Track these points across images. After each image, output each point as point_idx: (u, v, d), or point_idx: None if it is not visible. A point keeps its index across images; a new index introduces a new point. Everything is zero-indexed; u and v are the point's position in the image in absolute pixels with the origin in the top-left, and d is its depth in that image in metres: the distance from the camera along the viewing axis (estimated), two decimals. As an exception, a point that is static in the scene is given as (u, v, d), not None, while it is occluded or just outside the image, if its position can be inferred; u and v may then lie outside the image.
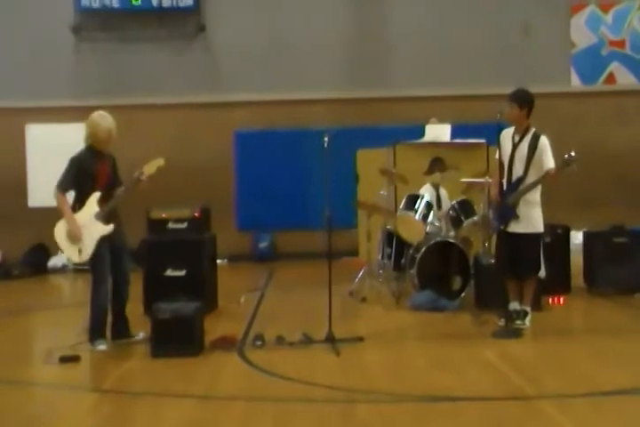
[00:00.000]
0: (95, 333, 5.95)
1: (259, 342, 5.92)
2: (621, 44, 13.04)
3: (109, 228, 5.89)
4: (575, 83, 13.01)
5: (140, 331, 6.14)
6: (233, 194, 12.47)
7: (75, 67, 12.64)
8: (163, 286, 7.08)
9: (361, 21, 12.91)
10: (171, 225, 7.50)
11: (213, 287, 7.70)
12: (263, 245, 12.26)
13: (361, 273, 8.24)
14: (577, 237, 8.74)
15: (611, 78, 13.03)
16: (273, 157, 12.31)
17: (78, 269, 11.68)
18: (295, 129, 12.18)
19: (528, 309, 6.43)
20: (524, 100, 6.28)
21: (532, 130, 6.32)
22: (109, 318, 6.11)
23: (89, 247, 5.83)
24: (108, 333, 6.09)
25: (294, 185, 12.15)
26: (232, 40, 12.64)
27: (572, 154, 6.05)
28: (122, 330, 6.13)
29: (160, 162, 6.08)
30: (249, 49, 12.55)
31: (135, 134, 12.57)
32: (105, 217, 5.90)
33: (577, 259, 8.13)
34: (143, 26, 12.51)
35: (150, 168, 6.02)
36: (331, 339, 5.80)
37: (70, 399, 4.84)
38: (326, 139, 6.10)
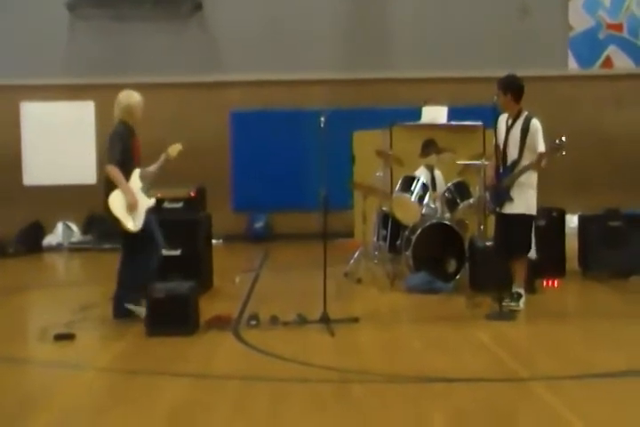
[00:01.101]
0: (136, 295, 6.02)
1: (253, 322, 5.94)
2: (619, 27, 12.99)
3: (152, 201, 6.25)
4: (572, 66, 12.98)
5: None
6: (229, 174, 12.46)
7: (70, 45, 12.56)
8: (158, 265, 7.06)
9: (360, 2, 12.82)
10: (166, 205, 7.48)
11: (209, 267, 7.70)
12: (258, 225, 12.28)
13: (356, 254, 8.25)
14: (572, 221, 8.77)
15: (608, 62, 13.00)
16: (269, 137, 12.28)
17: (73, 248, 11.73)
18: (292, 109, 12.14)
19: (521, 291, 6.47)
20: (507, 87, 6.39)
21: (525, 113, 6.40)
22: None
23: (141, 217, 6.08)
24: None
25: (290, 166, 12.14)
26: (229, 19, 12.54)
27: (563, 139, 6.09)
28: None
29: (179, 146, 6.38)
30: (246, 28, 12.47)
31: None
32: (147, 191, 6.21)
33: (572, 242, 8.15)
34: (139, 4, 12.40)
35: (173, 151, 6.35)
36: (325, 319, 5.82)
37: (65, 377, 4.85)
38: (322, 119, 6.08)
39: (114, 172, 6.01)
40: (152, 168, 6.30)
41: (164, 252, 7.20)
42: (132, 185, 6.08)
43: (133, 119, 6.21)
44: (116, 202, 6.01)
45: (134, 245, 6.19)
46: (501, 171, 6.41)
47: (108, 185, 6.10)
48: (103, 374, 4.94)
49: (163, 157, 6.32)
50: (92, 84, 12.30)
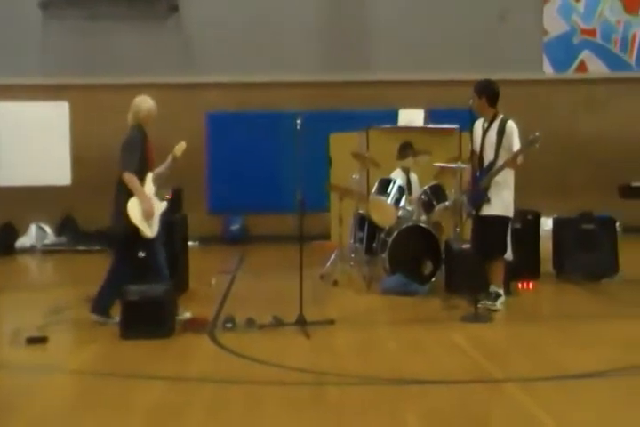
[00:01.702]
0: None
1: (229, 325, 5.92)
2: (592, 32, 13.14)
3: (165, 204, 6.23)
4: (547, 70, 13.11)
5: (187, 312, 6.13)
6: (205, 176, 12.41)
7: (43, 44, 12.43)
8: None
9: (338, 5, 12.84)
10: (142, 206, 7.42)
11: (184, 269, 7.66)
12: (235, 227, 12.23)
13: (332, 257, 8.25)
14: (547, 224, 8.84)
15: (582, 66, 13.15)
16: (245, 139, 12.25)
17: (47, 250, 11.61)
18: (268, 111, 12.12)
19: (500, 291, 6.54)
20: (481, 91, 6.47)
21: (500, 116, 6.49)
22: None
23: (156, 223, 6.09)
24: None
25: (267, 168, 12.12)
26: (206, 20, 12.50)
27: (537, 134, 6.19)
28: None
29: (183, 145, 6.32)
30: (223, 30, 12.43)
31: (106, 114, 12.42)
32: (160, 194, 6.24)
33: (547, 245, 8.22)
34: (114, 4, 12.31)
35: (179, 151, 6.27)
36: (301, 322, 5.81)
37: (37, 381, 4.79)
38: (299, 122, 6.07)
39: (132, 180, 5.94)
40: (161, 169, 6.23)
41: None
42: (147, 190, 6.04)
43: (150, 122, 6.18)
44: (134, 210, 5.95)
45: (149, 248, 6.11)
46: (478, 174, 6.47)
47: (120, 192, 6.05)
48: (76, 378, 4.89)
49: (170, 158, 6.23)
50: (66, 85, 12.19)
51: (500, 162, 6.38)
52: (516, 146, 6.35)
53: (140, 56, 12.35)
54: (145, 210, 5.94)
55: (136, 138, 6.08)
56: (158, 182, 6.18)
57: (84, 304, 6.72)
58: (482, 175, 6.45)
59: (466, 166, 6.88)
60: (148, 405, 4.19)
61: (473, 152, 6.56)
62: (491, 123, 6.46)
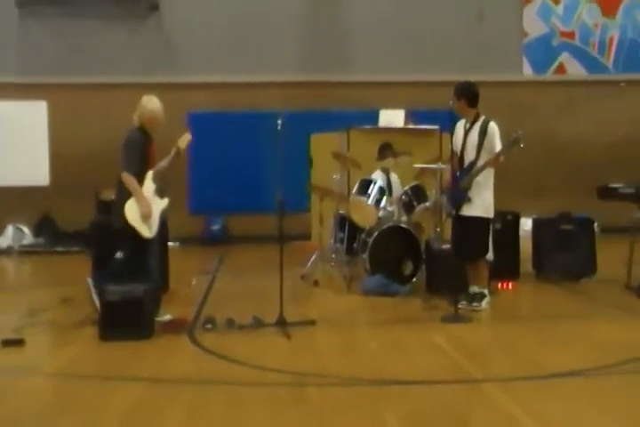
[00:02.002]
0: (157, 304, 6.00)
1: (209, 326, 5.89)
2: (571, 35, 13.26)
3: (166, 201, 6.16)
4: (527, 72, 13.19)
5: (167, 313, 6.10)
6: (185, 176, 12.34)
7: (21, 43, 12.31)
8: (113, 268, 6.95)
9: (319, 5, 12.84)
10: (121, 207, 7.36)
11: (164, 270, 7.60)
12: (215, 228, 12.19)
13: (313, 257, 8.24)
14: (526, 224, 8.89)
15: (561, 68, 13.26)
16: (226, 139, 12.21)
17: (24, 251, 11.49)
18: (249, 111, 12.09)
19: (485, 291, 6.57)
20: (460, 93, 6.51)
21: (482, 117, 6.53)
22: None
23: (156, 222, 6.05)
24: None
25: (247, 168, 12.09)
26: (186, 20, 12.45)
27: (520, 132, 6.23)
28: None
29: (188, 137, 6.23)
30: (203, 30, 12.38)
31: (85, 114, 12.35)
32: (160, 191, 6.12)
33: (526, 245, 8.27)
34: (93, 2, 12.22)
35: (182, 143, 6.18)
36: (282, 322, 5.80)
37: (12, 384, 4.73)
38: (280, 122, 6.06)
39: (130, 180, 5.92)
40: (162, 164, 6.12)
41: (119, 255, 7.13)
42: (146, 189, 6.00)
43: (153, 125, 6.09)
44: (132, 211, 5.94)
45: (143, 248, 6.06)
46: (458, 174, 6.50)
47: (120, 192, 6.02)
48: (53, 380, 4.83)
49: (173, 151, 6.12)
50: (44, 84, 12.08)
51: (480, 162, 6.41)
52: (498, 147, 6.40)
53: (120, 55, 12.26)
54: (142, 211, 5.91)
55: (135, 138, 6.04)
56: (159, 178, 6.09)
57: (61, 306, 6.68)
58: (462, 175, 6.48)
59: (446, 167, 6.91)
60: (127, 407, 4.16)
61: (453, 153, 6.59)
62: (472, 124, 6.51)
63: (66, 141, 12.21)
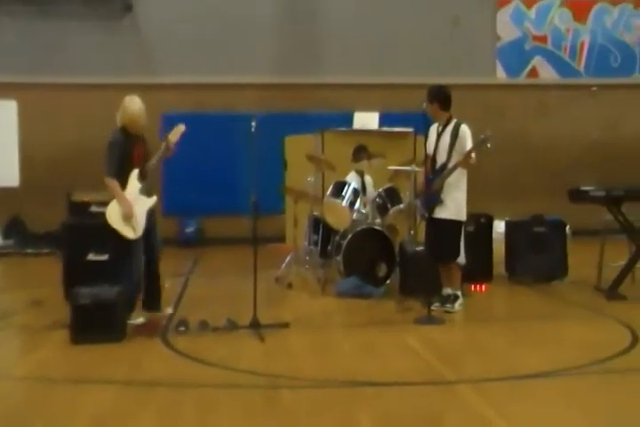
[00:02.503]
0: (132, 306, 6.00)
1: (182, 328, 5.85)
2: (544, 39, 13.41)
3: (153, 199, 6.10)
4: (500, 75, 13.31)
5: (168, 307, 6.21)
6: (159, 177, 12.25)
7: (-8, 41, 12.15)
8: (84, 270, 6.88)
9: (294, 7, 12.83)
10: (93, 208, 7.33)
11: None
12: (189, 229, 12.13)
13: (287, 259, 8.23)
14: (499, 227, 8.96)
15: (533, 72, 13.40)
16: (200, 140, 12.12)
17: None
18: (224, 113, 12.04)
19: (458, 293, 6.60)
20: (433, 96, 6.56)
21: (454, 120, 6.57)
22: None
23: (141, 222, 6.02)
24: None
25: (222, 169, 12.03)
26: (160, 21, 12.37)
27: (488, 133, 6.27)
28: (151, 304, 6.19)
29: (181, 128, 6.13)
30: (178, 31, 12.32)
31: (57, 114, 12.21)
32: (147, 190, 6.06)
33: (499, 247, 8.34)
34: (67, 2, 12.09)
35: (174, 136, 6.11)
36: (255, 325, 5.78)
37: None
38: (254, 123, 6.04)
39: (111, 183, 5.96)
40: (153, 160, 6.07)
41: (91, 257, 7.06)
42: (131, 188, 5.98)
43: (135, 126, 6.04)
44: (114, 213, 5.96)
45: (130, 249, 6.06)
46: (431, 176, 6.53)
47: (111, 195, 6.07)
48: (23, 384, 4.76)
49: (163, 146, 6.06)
50: (14, 83, 11.92)
51: (451, 164, 6.45)
52: (468, 148, 6.43)
53: (94, 56, 12.15)
54: (123, 212, 5.93)
55: (114, 140, 6.02)
56: (145, 176, 6.02)
57: (32, 308, 6.60)
58: (434, 178, 6.51)
59: (420, 170, 6.94)
60: (98, 410, 4.11)
61: (426, 156, 6.62)
62: (444, 127, 6.55)
63: (36, 142, 12.07)
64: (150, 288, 6.25)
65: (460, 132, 6.46)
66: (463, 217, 6.58)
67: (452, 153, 6.46)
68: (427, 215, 6.56)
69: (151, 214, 6.15)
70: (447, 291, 6.65)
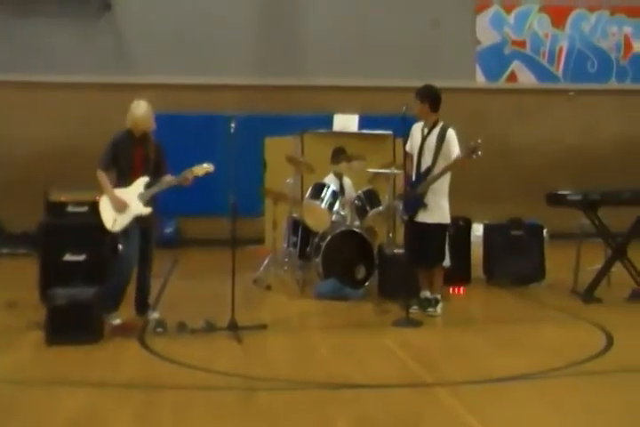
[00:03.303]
0: (111, 304, 6.04)
1: (160, 329, 5.82)
2: (522, 44, 13.52)
3: (147, 210, 6.14)
4: (480, 79, 13.40)
5: (155, 312, 6.26)
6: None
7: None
8: (61, 271, 6.81)
9: (275, 9, 12.83)
10: (70, 208, 7.24)
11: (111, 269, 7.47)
12: (168, 230, 12.05)
13: (266, 261, 8.22)
14: (478, 230, 9.00)
15: (512, 76, 13.50)
16: (179, 141, 12.05)
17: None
18: (203, 114, 12.00)
19: (439, 296, 6.61)
20: (425, 96, 6.52)
21: (441, 123, 6.53)
22: (133, 295, 6.30)
23: (124, 221, 6.07)
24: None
25: (201, 171, 11.95)
26: (139, 21, 12.31)
27: (479, 141, 6.27)
28: (138, 308, 6.29)
29: (210, 168, 6.29)
30: (158, 31, 12.27)
31: (34, 113, 12.10)
32: (147, 200, 6.14)
33: (477, 250, 8.38)
34: (45, 1, 11.99)
35: (199, 171, 6.26)
36: (233, 326, 5.76)
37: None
38: (233, 125, 6.03)
39: (99, 176, 6.13)
40: (169, 179, 6.24)
41: (68, 257, 7.00)
42: (132, 189, 6.11)
43: (138, 129, 6.18)
44: (104, 203, 6.14)
45: (122, 246, 6.26)
46: (414, 179, 6.51)
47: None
48: (-4, 385, 4.70)
49: (183, 174, 6.23)
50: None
51: (437, 169, 6.42)
52: (455, 153, 6.40)
53: (72, 55, 12.06)
54: (114, 206, 6.06)
55: (114, 137, 6.19)
56: (156, 190, 6.16)
57: (6, 310, 6.52)
58: (418, 181, 6.48)
59: (399, 172, 6.94)
60: (73, 412, 4.07)
61: (407, 154, 6.57)
62: (431, 129, 6.49)
63: (12, 140, 11.95)
64: (139, 294, 6.32)
65: (447, 137, 6.42)
66: (448, 220, 6.57)
67: (437, 157, 6.41)
68: (405, 218, 6.54)
69: (152, 225, 6.25)
70: (425, 294, 6.64)
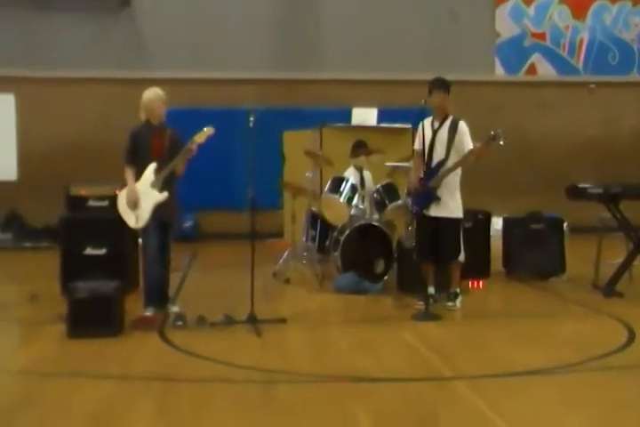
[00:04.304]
0: (145, 298, 6.10)
1: (180, 323, 5.86)
2: (542, 36, 13.41)
3: (163, 195, 6.05)
4: (499, 72, 13.30)
5: (176, 306, 6.22)
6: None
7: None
8: (82, 264, 6.90)
9: (292, 2, 12.81)
10: (91, 203, 7.31)
11: (135, 267, 7.53)
12: (187, 225, 12.10)
13: (285, 255, 8.23)
14: (497, 223, 8.96)
15: (532, 69, 13.40)
16: (207, 139, 12.11)
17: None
18: (222, 108, 12.02)
19: (458, 290, 6.57)
20: (446, 87, 6.45)
21: (451, 116, 6.46)
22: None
23: (145, 214, 6.04)
24: None
25: (220, 165, 12.01)
26: (158, 16, 12.36)
27: (499, 130, 6.19)
28: (160, 301, 6.22)
29: (210, 131, 6.12)
30: (176, 25, 12.31)
31: (54, 108, 12.19)
32: (160, 185, 6.05)
33: (497, 244, 8.34)
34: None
35: (200, 137, 6.08)
36: (252, 320, 5.78)
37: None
38: (252, 119, 6.04)
39: (126, 171, 6.15)
40: (175, 162, 6.05)
41: (89, 251, 7.06)
42: (143, 180, 6.07)
43: (152, 115, 6.16)
44: (122, 199, 6.15)
45: (142, 241, 6.25)
46: (425, 174, 6.43)
47: None
48: (18, 378, 4.76)
49: (187, 146, 6.02)
50: (12, 77, 11.90)
51: (450, 162, 6.38)
52: (469, 145, 6.36)
53: (91, 50, 12.13)
54: (127, 200, 6.05)
55: (132, 130, 6.20)
56: (165, 172, 6.00)
57: (28, 303, 6.59)
58: (431, 175, 6.42)
59: (409, 165, 6.88)
60: (93, 404, 4.11)
61: (417, 152, 6.50)
62: (442, 122, 6.46)
63: (34, 136, 12.05)
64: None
65: (459, 129, 6.38)
66: (461, 214, 6.54)
67: (450, 150, 6.36)
68: (415, 212, 6.45)
69: (167, 211, 6.09)
70: (431, 290, 6.50)
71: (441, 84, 6.44)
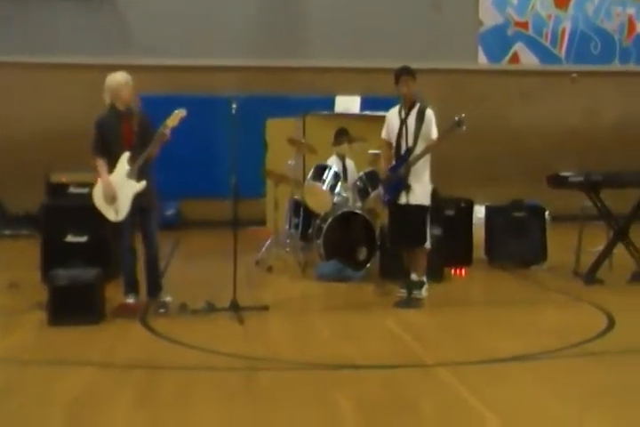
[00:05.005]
0: (125, 287, 5.98)
1: (162, 310, 5.84)
2: (525, 25, 13.43)
3: (142, 184, 5.85)
4: (482, 61, 13.31)
5: (168, 295, 6.06)
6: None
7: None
8: (63, 252, 6.83)
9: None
10: (72, 189, 7.26)
11: (116, 254, 7.48)
12: (169, 212, 12.06)
13: (267, 243, 8.22)
14: (480, 211, 8.99)
15: (515, 58, 13.42)
16: (181, 122, 12.02)
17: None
18: (204, 95, 11.94)
19: (424, 278, 6.52)
20: (414, 74, 6.40)
21: (418, 104, 6.38)
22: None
23: (125, 206, 5.84)
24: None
25: (202, 152, 11.96)
26: (142, 2, 12.23)
27: (462, 115, 6.14)
28: (152, 290, 6.06)
29: (182, 113, 5.95)
30: (159, 12, 12.19)
31: (37, 94, 12.06)
32: (136, 174, 5.84)
33: (479, 232, 8.38)
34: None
35: (173, 121, 5.91)
36: (235, 307, 5.77)
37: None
38: (234, 106, 5.99)
39: (95, 163, 5.88)
40: (149, 149, 5.82)
41: (69, 238, 7.00)
42: (118, 171, 5.84)
43: (120, 100, 5.88)
44: (98, 194, 5.92)
45: (116, 232, 6.06)
46: (395, 162, 6.36)
47: None
48: None
49: (159, 131, 5.80)
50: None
51: (418, 149, 6.28)
52: (435, 134, 6.28)
53: (74, 36, 12.00)
54: (104, 194, 5.85)
55: (98, 118, 5.95)
56: (141, 161, 5.79)
57: (8, 291, 6.54)
58: (400, 163, 6.33)
59: (380, 154, 6.83)
60: (74, 392, 4.09)
61: (387, 142, 6.44)
62: (409, 110, 6.37)
63: (14, 122, 11.92)
64: (149, 276, 6.10)
65: (426, 117, 6.28)
66: (428, 202, 6.42)
67: (418, 138, 6.27)
68: (392, 202, 6.39)
69: (146, 198, 5.91)
70: (414, 276, 6.48)
71: (407, 73, 6.40)
